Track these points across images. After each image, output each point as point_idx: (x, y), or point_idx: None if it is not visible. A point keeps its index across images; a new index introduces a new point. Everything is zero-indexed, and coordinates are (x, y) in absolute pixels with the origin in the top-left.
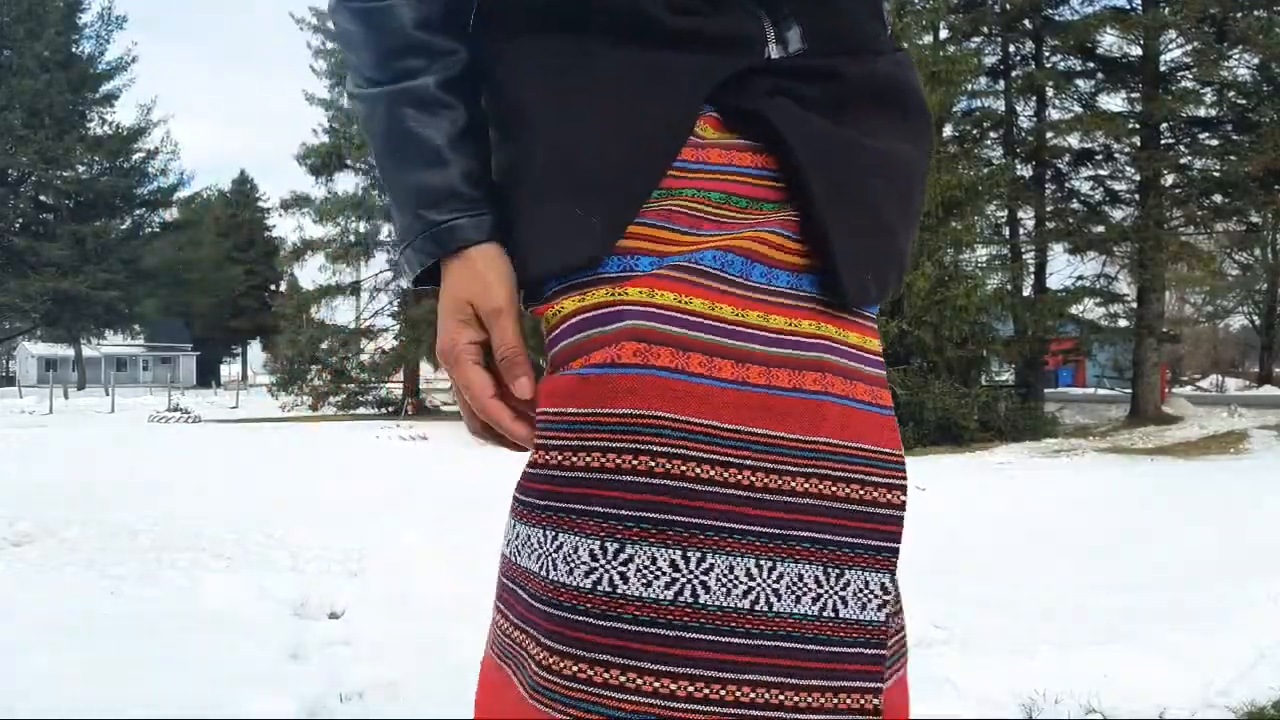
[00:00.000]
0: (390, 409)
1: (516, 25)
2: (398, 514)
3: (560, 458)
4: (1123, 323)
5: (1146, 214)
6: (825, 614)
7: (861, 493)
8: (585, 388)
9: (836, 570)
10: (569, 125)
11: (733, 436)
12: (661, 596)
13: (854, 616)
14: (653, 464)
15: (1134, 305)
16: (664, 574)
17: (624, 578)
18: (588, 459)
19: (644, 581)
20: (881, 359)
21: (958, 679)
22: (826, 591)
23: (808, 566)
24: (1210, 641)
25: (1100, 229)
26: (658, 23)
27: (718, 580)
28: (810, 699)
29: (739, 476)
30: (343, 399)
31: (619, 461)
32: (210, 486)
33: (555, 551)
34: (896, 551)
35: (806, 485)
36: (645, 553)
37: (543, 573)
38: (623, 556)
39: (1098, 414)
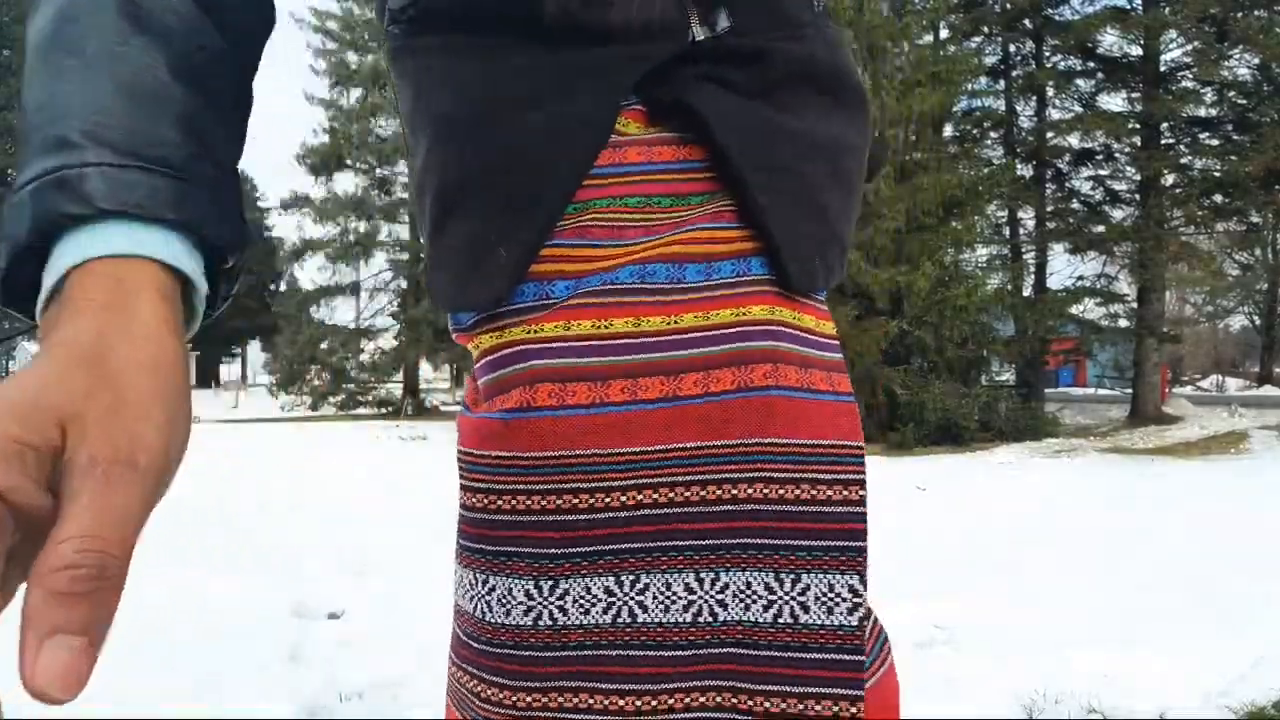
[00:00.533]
0: (390, 409)
1: (419, 25)
2: (398, 514)
3: (486, 501)
4: (1123, 323)
5: (1147, 214)
6: (782, 620)
7: (814, 492)
8: (505, 431)
9: (792, 575)
10: (474, 138)
11: (662, 456)
12: (601, 621)
13: (819, 622)
14: (576, 501)
15: (1134, 305)
16: (600, 600)
17: (563, 610)
18: (513, 502)
19: (582, 610)
20: (837, 343)
21: (958, 679)
22: (781, 598)
23: (756, 574)
24: (1210, 641)
25: (1100, 229)
26: (573, 19)
27: (654, 598)
28: (770, 704)
29: (670, 495)
30: (342, 399)
31: (543, 503)
32: (210, 486)
33: (489, 594)
34: (862, 550)
35: (750, 491)
36: (579, 585)
37: (478, 615)
38: (559, 591)
39: (1098, 414)
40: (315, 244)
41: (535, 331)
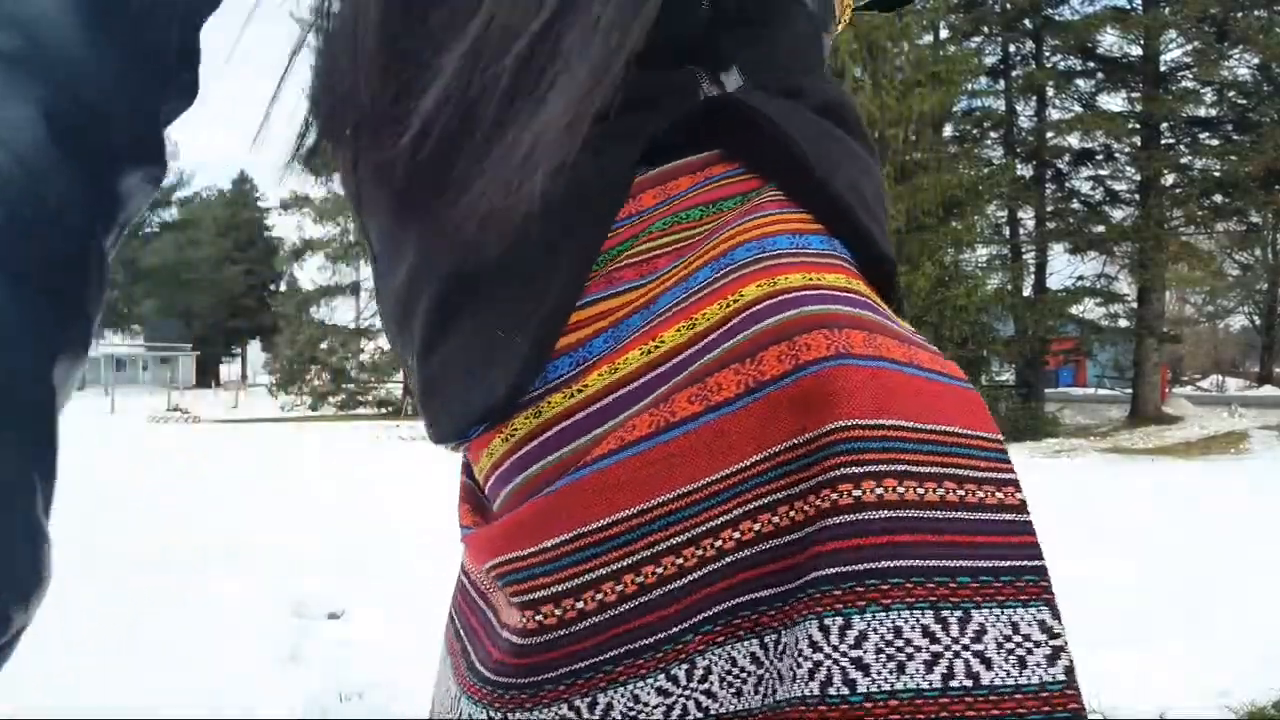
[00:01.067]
0: (390, 409)
1: None
2: (398, 514)
3: (559, 611)
4: (1123, 323)
5: (1146, 214)
6: (955, 684)
7: (962, 493)
8: (557, 503)
9: (957, 612)
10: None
11: (763, 469)
12: (752, 705)
13: (1009, 682)
14: (680, 560)
15: (1134, 305)
16: (750, 674)
17: (710, 694)
18: (599, 595)
19: (733, 691)
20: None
21: None
22: (947, 648)
23: (905, 614)
24: (1210, 642)
25: (1100, 229)
26: None
27: (789, 664)
28: None
29: (774, 519)
30: (342, 399)
31: (639, 579)
32: (210, 487)
33: (604, 716)
34: (1044, 572)
35: (880, 490)
36: (722, 657)
37: None
38: (698, 674)
39: (1098, 414)
40: (315, 244)
41: (580, 392)
